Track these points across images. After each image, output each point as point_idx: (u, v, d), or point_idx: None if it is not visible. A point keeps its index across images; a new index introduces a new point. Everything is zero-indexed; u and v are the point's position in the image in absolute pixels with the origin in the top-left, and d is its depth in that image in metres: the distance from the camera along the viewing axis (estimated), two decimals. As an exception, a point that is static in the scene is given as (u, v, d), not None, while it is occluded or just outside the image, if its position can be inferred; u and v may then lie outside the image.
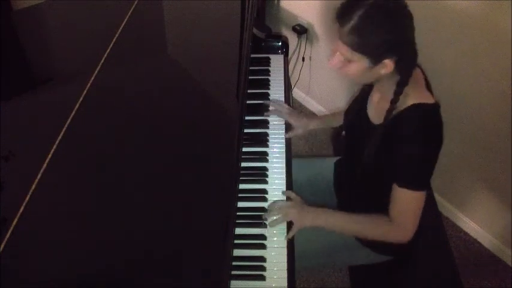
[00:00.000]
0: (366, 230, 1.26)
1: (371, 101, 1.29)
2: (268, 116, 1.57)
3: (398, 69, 1.10)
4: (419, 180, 1.16)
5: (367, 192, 1.35)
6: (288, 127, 1.58)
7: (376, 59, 1.07)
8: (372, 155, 1.18)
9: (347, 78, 1.17)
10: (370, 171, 1.22)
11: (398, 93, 1.11)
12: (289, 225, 1.27)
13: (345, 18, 1.04)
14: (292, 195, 1.32)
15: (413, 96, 1.13)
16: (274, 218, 1.24)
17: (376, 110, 1.24)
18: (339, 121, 1.53)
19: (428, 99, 1.13)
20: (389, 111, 1.13)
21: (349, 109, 1.41)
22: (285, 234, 1.24)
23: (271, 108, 1.58)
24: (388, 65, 1.08)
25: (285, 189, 1.36)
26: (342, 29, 1.05)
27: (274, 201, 1.31)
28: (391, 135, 1.14)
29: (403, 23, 1.05)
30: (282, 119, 1.58)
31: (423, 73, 1.21)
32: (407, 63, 1.09)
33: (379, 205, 1.24)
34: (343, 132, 1.44)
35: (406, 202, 1.17)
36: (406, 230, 1.21)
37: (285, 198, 1.33)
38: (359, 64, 1.09)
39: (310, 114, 1.59)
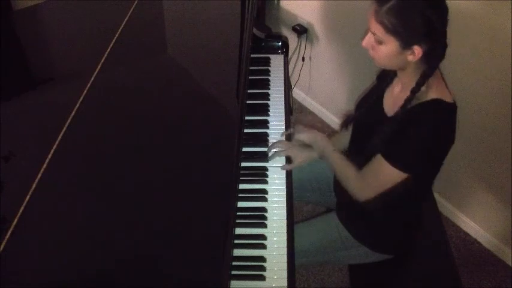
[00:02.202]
0: (340, 167, 1.34)
1: (390, 94, 1.29)
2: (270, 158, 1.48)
3: (425, 59, 1.11)
4: (406, 160, 1.16)
5: None
6: (288, 127, 1.58)
7: (406, 43, 1.08)
8: (381, 143, 1.18)
9: (376, 62, 1.19)
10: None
11: (420, 83, 1.12)
12: (289, 221, 1.27)
13: None
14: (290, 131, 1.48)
15: (436, 91, 1.14)
16: (273, 151, 1.38)
17: (395, 103, 1.24)
18: (339, 144, 1.54)
19: (449, 98, 1.15)
20: (407, 99, 1.14)
21: (361, 102, 1.40)
22: (285, 234, 1.24)
23: (271, 152, 1.48)
24: (416, 52, 1.09)
25: (285, 189, 1.36)
26: (379, 8, 1.07)
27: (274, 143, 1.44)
28: (405, 125, 1.14)
29: (439, 12, 1.06)
30: (281, 120, 1.58)
31: (440, 71, 1.21)
32: (435, 53, 1.10)
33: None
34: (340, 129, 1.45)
35: (378, 167, 1.19)
36: (363, 191, 1.25)
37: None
38: (388, 47, 1.10)
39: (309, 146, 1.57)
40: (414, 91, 1.13)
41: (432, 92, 1.14)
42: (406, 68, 1.16)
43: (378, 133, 1.19)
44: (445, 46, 1.10)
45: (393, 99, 1.26)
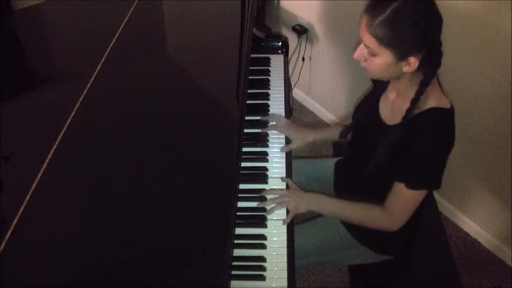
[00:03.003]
0: (357, 214, 1.29)
1: (385, 100, 1.28)
2: (266, 131, 1.52)
3: (421, 69, 1.10)
4: (422, 180, 1.17)
5: (368, 193, 1.35)
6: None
7: (402, 54, 1.06)
8: (385, 154, 1.18)
9: (369, 73, 1.18)
10: (378, 171, 1.22)
11: (420, 93, 1.11)
12: (289, 223, 1.27)
13: (377, 10, 1.03)
14: (290, 182, 1.38)
15: (433, 99, 1.13)
16: (271, 206, 1.29)
17: (391, 110, 1.24)
18: (331, 135, 1.54)
19: (445, 104, 1.14)
20: (409, 110, 1.13)
21: (358, 108, 1.40)
22: (285, 234, 1.24)
23: (269, 123, 1.54)
24: (412, 63, 1.07)
25: (285, 189, 1.36)
26: (372, 20, 1.04)
27: (271, 189, 1.35)
28: (407, 136, 1.14)
29: (434, 22, 1.04)
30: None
31: (436, 75, 1.21)
32: (432, 63, 1.09)
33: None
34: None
35: (403, 197, 1.19)
36: (396, 222, 1.24)
37: (284, 184, 1.38)
38: (383, 59, 1.08)
39: (309, 126, 1.58)
40: (415, 101, 1.12)
41: (431, 100, 1.13)
42: (401, 78, 1.15)
43: (380, 144, 1.19)
44: (440, 54, 1.09)
45: (389, 106, 1.25)
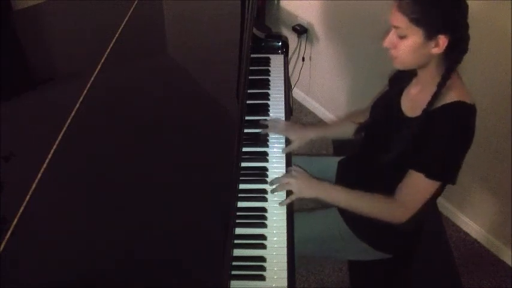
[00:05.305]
0: (365, 204, 1.28)
1: (407, 96, 1.29)
2: (266, 133, 1.52)
3: (448, 52, 1.12)
4: (441, 170, 1.17)
5: (375, 191, 1.34)
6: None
7: (431, 32, 1.09)
8: (404, 146, 1.18)
9: (397, 62, 1.18)
10: (394, 163, 1.21)
11: (446, 77, 1.13)
12: (289, 221, 1.27)
13: None
14: (298, 169, 1.37)
15: (457, 92, 1.15)
16: (274, 186, 1.31)
17: (413, 103, 1.24)
18: (340, 132, 1.53)
19: (470, 99, 1.15)
20: (434, 96, 1.14)
21: (376, 105, 1.40)
22: (285, 234, 1.24)
23: (269, 126, 1.53)
24: (441, 43, 1.09)
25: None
26: (402, 0, 1.08)
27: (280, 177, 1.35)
28: (428, 128, 1.14)
29: (461, 2, 1.09)
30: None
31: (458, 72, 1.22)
32: (459, 45, 1.12)
33: None
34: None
35: (418, 187, 1.18)
36: (405, 212, 1.22)
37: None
38: (412, 39, 1.10)
39: (308, 125, 1.57)
40: (440, 86, 1.13)
41: (453, 93, 1.14)
42: (428, 65, 1.16)
43: (400, 134, 1.18)
44: (468, 39, 1.12)
45: (411, 100, 1.26)
